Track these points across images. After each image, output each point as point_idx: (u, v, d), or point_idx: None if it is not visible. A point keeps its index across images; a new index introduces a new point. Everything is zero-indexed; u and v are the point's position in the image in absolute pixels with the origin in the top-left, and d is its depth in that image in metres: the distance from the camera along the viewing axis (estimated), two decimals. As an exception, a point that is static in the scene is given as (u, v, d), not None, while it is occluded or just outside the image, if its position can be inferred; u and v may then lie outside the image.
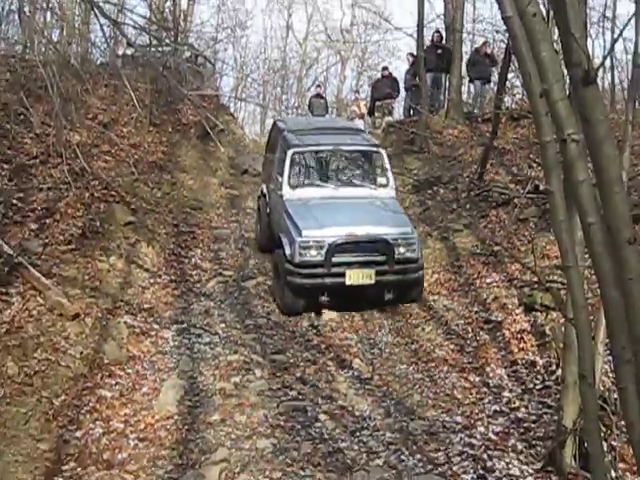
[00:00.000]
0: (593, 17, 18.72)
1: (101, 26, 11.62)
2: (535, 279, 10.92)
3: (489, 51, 20.75)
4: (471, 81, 21.26)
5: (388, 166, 12.82)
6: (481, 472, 7.41)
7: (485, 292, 11.44)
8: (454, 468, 7.50)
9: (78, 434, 8.38)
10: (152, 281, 12.10)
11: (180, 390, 9.30)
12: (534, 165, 14.45)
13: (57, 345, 9.50)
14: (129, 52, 15.13)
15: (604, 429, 6.82)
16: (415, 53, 20.99)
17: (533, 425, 8.20)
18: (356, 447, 7.96)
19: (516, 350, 9.79)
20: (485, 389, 9.14)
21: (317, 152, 12.73)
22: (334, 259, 10.92)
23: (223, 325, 11.14)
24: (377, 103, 22.67)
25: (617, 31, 19.60)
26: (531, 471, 7.31)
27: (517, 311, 10.58)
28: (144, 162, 15.02)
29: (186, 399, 9.12)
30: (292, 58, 41.56)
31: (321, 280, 10.98)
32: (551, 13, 6.22)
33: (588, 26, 8.44)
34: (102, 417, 8.72)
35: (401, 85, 22.58)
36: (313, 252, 10.95)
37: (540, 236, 11.86)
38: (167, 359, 10.09)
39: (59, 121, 11.42)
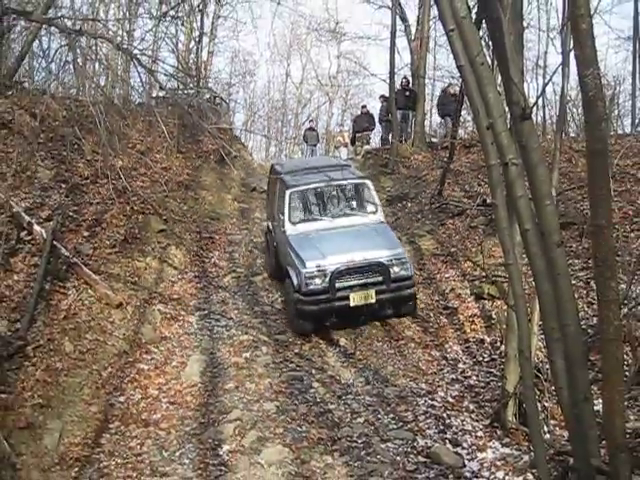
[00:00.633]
0: (528, 66, 18.74)
1: (139, 73, 11.68)
2: (483, 274, 10.92)
3: (453, 92, 20.58)
4: (441, 116, 20.91)
5: (375, 195, 11.78)
6: (441, 427, 7.41)
7: (444, 284, 11.42)
8: (420, 425, 7.50)
9: (122, 399, 8.37)
10: (180, 277, 12.05)
11: (202, 363, 9.27)
12: (482, 183, 14.44)
13: (104, 328, 9.47)
14: (161, 94, 15.09)
15: (538, 393, 6.83)
16: (386, 95, 20.97)
17: (482, 390, 8.20)
18: (342, 408, 7.94)
19: (468, 330, 9.78)
20: (444, 362, 9.13)
21: (312, 189, 11.59)
22: (337, 284, 9.92)
23: (236, 311, 11.10)
24: (357, 134, 22.61)
25: (548, 77, 19.64)
26: (481, 427, 7.31)
27: (469, 299, 10.57)
28: (173, 182, 14.96)
29: (207, 371, 9.09)
30: (290, 99, 41.55)
31: (328, 305, 9.93)
32: (495, 62, 6.22)
33: (525, 73, 8.45)
34: (140, 385, 8.70)
35: (376, 120, 22.55)
36: (318, 280, 9.94)
37: (487, 240, 11.86)
38: (192, 339, 10.06)
39: (105, 149, 11.38)
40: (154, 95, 16.88)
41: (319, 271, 9.98)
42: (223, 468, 6.81)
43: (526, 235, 4.02)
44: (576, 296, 7.06)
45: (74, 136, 12.37)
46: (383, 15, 41.35)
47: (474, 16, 8.78)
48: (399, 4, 21.43)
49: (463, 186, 15.57)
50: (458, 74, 4.49)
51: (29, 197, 11.03)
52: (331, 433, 7.39)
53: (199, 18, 22.66)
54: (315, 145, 26.05)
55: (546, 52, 21.34)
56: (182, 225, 13.74)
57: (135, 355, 9.33)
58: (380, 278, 10.03)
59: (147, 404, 8.30)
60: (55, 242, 9.93)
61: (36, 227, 10.02)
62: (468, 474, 6.38)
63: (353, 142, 23.09)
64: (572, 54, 3.70)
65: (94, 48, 10.88)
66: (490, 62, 5.85)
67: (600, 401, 3.94)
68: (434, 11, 18.93)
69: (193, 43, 22.75)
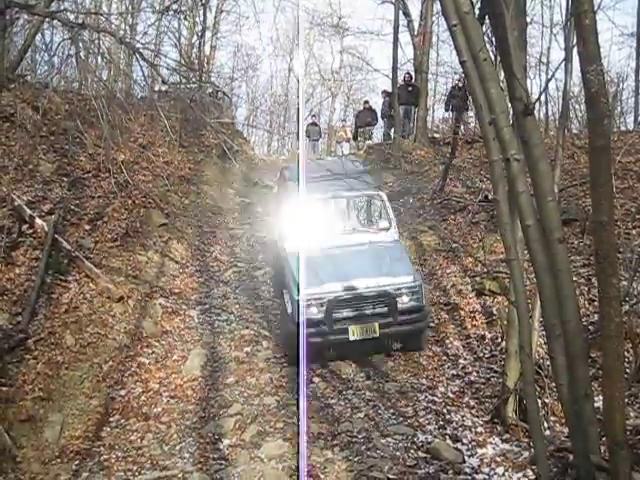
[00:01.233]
0: (531, 62, 18.70)
1: (141, 67, 11.67)
2: (485, 270, 10.92)
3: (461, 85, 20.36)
4: (450, 110, 20.57)
5: (389, 208, 10.37)
6: (441, 423, 7.41)
7: (445, 280, 11.41)
8: (420, 420, 7.50)
9: (122, 392, 8.39)
10: (181, 271, 12.05)
11: (203, 358, 9.28)
12: (484, 179, 14.43)
13: (105, 322, 9.48)
14: (163, 88, 15.07)
15: (539, 389, 6.83)
16: (388, 91, 20.91)
17: (483, 386, 8.20)
18: (342, 403, 7.95)
19: (469, 326, 9.77)
20: (445, 357, 9.13)
21: (319, 201, 10.23)
22: (335, 315, 8.71)
23: (237, 306, 11.10)
24: (360, 129, 22.58)
25: (550, 73, 19.61)
26: (481, 422, 7.32)
27: (470, 295, 10.56)
28: (175, 176, 14.95)
29: (208, 365, 9.11)
30: (292, 94, 41.50)
31: (324, 338, 8.70)
32: (498, 58, 6.20)
33: (527, 69, 8.43)
34: (141, 379, 8.72)
35: (379, 115, 22.51)
36: (314, 310, 8.68)
37: (489, 236, 11.85)
38: (193, 333, 10.07)
39: (107, 143, 11.39)
40: (156, 89, 16.85)
41: (315, 299, 8.73)
42: (223, 462, 6.83)
43: (528, 231, 4.01)
44: (577, 293, 7.06)
45: (76, 130, 12.36)
46: (386, 10, 41.39)
47: (477, 11, 8.76)
48: (402, -1, 21.36)
49: (465, 182, 15.55)
50: (461, 70, 4.47)
51: (31, 190, 11.03)
52: (331, 428, 7.39)
53: (202, 12, 22.58)
54: (317, 140, 26.02)
55: (549, 48, 21.32)
56: (183, 219, 13.74)
57: (136, 349, 9.34)
58: (385, 309, 8.81)
59: (148, 398, 8.31)
60: (57, 236, 9.94)
61: (38, 220, 10.03)
62: (468, 470, 6.38)
63: (355, 137, 23.08)
64: (575, 50, 3.70)
65: (97, 42, 10.90)
66: (493, 58, 5.84)
67: (600, 398, 3.94)
68: (437, 6, 18.92)
69: (196, 37, 22.71)
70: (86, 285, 9.84)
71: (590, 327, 7.70)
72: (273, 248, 11.95)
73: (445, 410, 7.70)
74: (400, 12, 20.35)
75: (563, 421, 6.24)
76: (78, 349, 8.72)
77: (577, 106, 16.62)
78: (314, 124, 26.00)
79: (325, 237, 9.80)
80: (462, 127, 18.77)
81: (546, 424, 6.69)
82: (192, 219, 14.08)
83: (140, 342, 9.50)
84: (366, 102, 23.90)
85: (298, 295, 8.72)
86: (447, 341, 9.54)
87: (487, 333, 9.46)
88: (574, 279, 7.18)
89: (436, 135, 21.10)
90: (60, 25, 11.67)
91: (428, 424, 7.40)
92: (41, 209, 10.63)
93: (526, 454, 6.44)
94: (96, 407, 7.99)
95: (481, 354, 9.04)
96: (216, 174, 17.15)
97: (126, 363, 8.96)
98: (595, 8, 3.59)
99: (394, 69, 18.95)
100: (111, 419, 7.85)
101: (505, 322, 7.83)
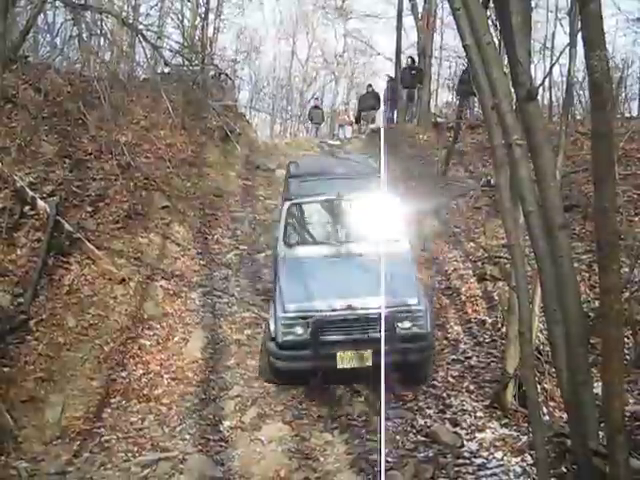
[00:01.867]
0: (535, 47, 18.59)
1: (144, 49, 11.59)
2: (486, 255, 10.92)
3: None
4: (460, 95, 20.24)
5: (402, 216, 9.01)
6: (441, 407, 7.43)
7: (446, 265, 11.41)
8: (420, 404, 7.53)
9: (123, 374, 8.42)
10: (182, 253, 12.04)
11: (204, 340, 9.31)
12: (487, 164, 14.40)
13: (107, 303, 9.50)
14: (166, 70, 14.95)
15: (538, 375, 6.84)
16: (391, 75, 20.83)
17: (482, 371, 8.22)
18: (342, 387, 7.95)
19: (470, 311, 9.78)
20: (445, 342, 9.14)
21: (318, 203, 9.17)
22: (322, 337, 7.48)
23: (238, 289, 11.11)
24: (363, 113, 22.53)
25: (554, 58, 19.48)
26: (480, 407, 7.33)
27: (471, 280, 10.57)
28: (177, 158, 14.89)
29: (209, 347, 9.13)
30: (295, 77, 41.35)
31: (308, 363, 7.59)
32: (502, 43, 6.16)
33: (531, 54, 8.36)
34: (142, 361, 8.75)
35: (382, 99, 22.42)
36: (299, 330, 7.52)
37: (490, 221, 11.84)
38: (194, 315, 10.08)
39: (110, 125, 11.37)
40: (159, 71, 16.75)
41: (301, 317, 7.55)
42: (223, 444, 6.86)
43: (529, 216, 4.00)
44: (578, 279, 7.05)
45: (78, 111, 12.33)
46: (390, -7, 41.14)
47: (482, -5, 8.69)
48: (406, -18, 21.18)
49: (467, 166, 15.53)
50: (464, 54, 4.44)
51: (33, 172, 11.00)
52: (331, 411, 7.42)
53: (205, -6, 22.44)
54: (319, 124, 25.96)
55: (554, 33, 21.12)
56: (185, 202, 13.71)
57: (137, 331, 9.35)
58: (379, 334, 7.24)
59: (148, 379, 8.35)
60: (58, 217, 9.93)
61: (39, 202, 10.01)
62: (467, 454, 6.40)
63: (358, 121, 23.02)
64: (580, 35, 3.66)
65: (99, 23, 10.85)
66: (497, 42, 5.80)
67: (600, 384, 3.94)
68: (442, -11, 18.78)
69: (199, 19, 22.53)
70: (87, 267, 9.85)
71: (590, 313, 7.70)
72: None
73: (445, 394, 7.71)
74: (404, -5, 20.22)
75: (562, 407, 6.24)
76: (79, 330, 8.75)
77: (581, 92, 16.55)
78: (317, 107, 25.94)
79: (325, 244, 8.79)
80: (467, 112, 18.69)
81: (545, 409, 6.70)
82: (194, 202, 14.05)
83: (141, 324, 9.52)
84: (369, 86, 23.81)
85: (283, 312, 7.62)
86: (447, 326, 9.54)
87: (488, 318, 9.46)
88: (575, 265, 7.18)
89: (439, 119, 21.04)
90: (62, 6, 11.60)
91: (427, 408, 7.41)
92: (43, 190, 10.61)
93: (525, 439, 6.46)
94: (97, 388, 8.02)
95: (481, 339, 9.05)
96: (218, 157, 17.09)
97: (127, 345, 8.98)
98: (600, -8, 3.55)
99: (397, 52, 18.89)
100: (112, 400, 7.88)
101: (506, 307, 7.83)
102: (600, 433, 4.15)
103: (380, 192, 8.11)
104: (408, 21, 22.50)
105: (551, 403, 6.86)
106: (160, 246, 11.76)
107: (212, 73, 18.08)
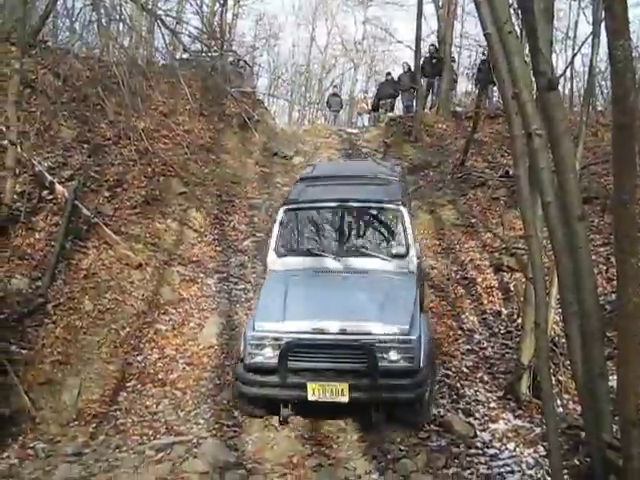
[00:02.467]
0: (558, 36, 18.43)
1: (163, 35, 11.65)
2: (503, 246, 10.88)
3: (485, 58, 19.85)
4: (480, 85, 19.89)
5: (410, 229, 7.81)
6: (455, 397, 7.44)
7: (463, 255, 11.38)
8: (433, 393, 7.52)
9: (139, 358, 8.50)
10: (199, 239, 12.09)
11: (219, 326, 9.35)
12: (505, 154, 14.32)
13: (124, 288, 9.57)
14: (185, 56, 14.96)
15: (553, 367, 6.83)
16: (410, 63, 20.68)
17: (497, 362, 8.21)
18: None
19: (486, 302, 9.76)
20: (460, 332, 9.13)
21: (316, 209, 8.15)
22: (291, 364, 6.44)
23: (254, 275, 11.13)
24: (381, 101, 22.42)
25: (577, 47, 19.30)
26: (494, 398, 7.33)
27: (488, 271, 10.54)
28: (195, 145, 14.93)
29: (224, 333, 9.17)
30: (314, 64, 41.28)
31: (275, 391, 6.62)
32: (523, 32, 6.10)
33: (553, 43, 8.27)
34: (158, 346, 8.82)
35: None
36: (269, 352, 6.54)
37: (508, 212, 11.79)
38: (210, 301, 10.14)
39: (128, 110, 11.40)
40: (178, 57, 16.79)
41: (272, 338, 6.58)
42: (237, 429, 6.90)
43: (548, 208, 3.97)
44: (595, 271, 7.00)
45: (97, 96, 12.36)
46: (411, -20, 40.81)
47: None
48: (428, -31, 20.99)
49: (486, 156, 15.43)
50: (485, 42, 4.41)
51: (51, 157, 11.08)
52: (345, 399, 7.43)
53: (225, -20, 22.42)
54: (338, 111, 25.88)
55: (577, 22, 21.03)
56: (203, 188, 13.75)
57: (153, 315, 9.43)
58: (359, 366, 6.41)
59: (164, 364, 8.41)
60: (76, 202, 9.99)
61: (58, 186, 10.08)
62: (479, 444, 6.41)
63: (376, 109, 22.90)
64: (603, 25, 3.62)
65: (118, 8, 10.82)
66: (519, 31, 5.75)
67: (614, 377, 3.92)
68: (463, -23, 18.60)
69: (218, 5, 22.53)
70: (105, 251, 9.92)
71: (607, 306, 7.66)
72: None
73: (459, 384, 7.72)
74: (425, -18, 20.02)
75: (576, 399, 6.23)
76: (96, 314, 8.82)
77: (603, 82, 16.39)
78: (335, 95, 25.84)
79: (319, 256, 7.80)
80: (486, 101, 18.53)
81: (559, 401, 6.69)
82: (211, 188, 14.09)
83: (157, 309, 9.59)
84: (388, 74, 23.67)
85: (252, 330, 6.73)
86: (463, 316, 9.53)
87: (503, 309, 9.45)
88: (593, 257, 7.13)
89: (458, 108, 20.89)
90: (82, -10, 11.64)
91: (441, 398, 7.42)
92: (61, 175, 10.69)
93: (538, 430, 6.46)
94: (113, 372, 8.10)
95: (496, 330, 9.04)
96: (236, 143, 17.11)
97: (143, 329, 9.06)
98: (625, -19, 3.50)
99: (417, 41, 18.68)
100: (128, 384, 7.96)
101: (522, 298, 7.80)
102: (614, 426, 4.13)
103: (392, 202, 7.94)
104: (428, 8, 22.42)
105: (565, 395, 6.85)
106: (177, 232, 11.81)
107: (231, 59, 18.06)
